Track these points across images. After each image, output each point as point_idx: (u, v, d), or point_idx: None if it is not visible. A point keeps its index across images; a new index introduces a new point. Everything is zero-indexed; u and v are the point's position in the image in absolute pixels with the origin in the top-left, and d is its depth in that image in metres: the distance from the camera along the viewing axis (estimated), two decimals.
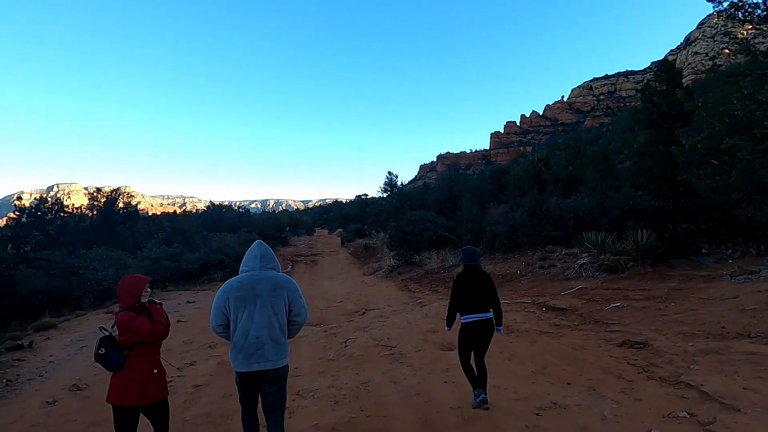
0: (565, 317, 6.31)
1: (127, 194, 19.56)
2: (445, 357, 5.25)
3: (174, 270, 16.78)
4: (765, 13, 8.15)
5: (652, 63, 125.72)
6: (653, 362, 4.31)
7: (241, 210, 33.29)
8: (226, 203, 32.88)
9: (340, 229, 39.64)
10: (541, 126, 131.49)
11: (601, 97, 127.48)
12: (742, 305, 5.21)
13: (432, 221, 17.81)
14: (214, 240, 20.42)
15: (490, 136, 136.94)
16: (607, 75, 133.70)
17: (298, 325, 2.67)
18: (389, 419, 3.58)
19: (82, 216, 16.06)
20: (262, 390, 2.54)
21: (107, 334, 2.50)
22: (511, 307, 7.26)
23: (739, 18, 8.36)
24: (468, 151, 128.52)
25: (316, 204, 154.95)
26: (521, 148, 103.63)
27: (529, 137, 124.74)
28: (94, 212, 16.44)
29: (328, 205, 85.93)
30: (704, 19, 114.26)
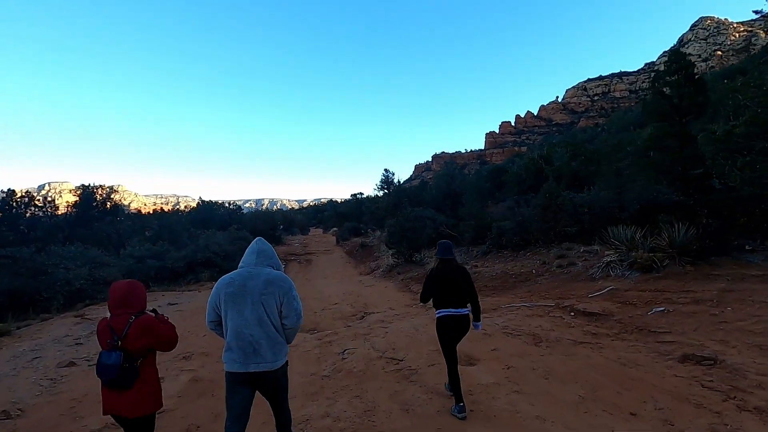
0: (601, 324, 5.39)
1: (109, 189, 18.38)
2: (466, 374, 4.31)
3: (159, 269, 15.71)
4: None
5: (646, 64, 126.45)
6: (736, 385, 3.40)
7: (232, 207, 32.09)
8: (220, 202, 31.68)
9: (335, 228, 38.84)
10: (535, 126, 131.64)
11: (596, 97, 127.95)
12: None
13: (432, 218, 16.96)
14: (201, 237, 19.33)
15: (485, 136, 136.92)
16: (601, 76, 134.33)
17: (290, 329, 2.46)
18: None
19: (55, 211, 14.86)
20: (264, 394, 2.43)
21: (120, 349, 2.26)
22: (532, 311, 6.34)
23: None
24: (463, 151, 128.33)
25: (311, 203, 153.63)
26: (516, 148, 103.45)
27: (524, 137, 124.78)
28: (70, 207, 15.26)
29: (323, 204, 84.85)
30: (697, 21, 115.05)
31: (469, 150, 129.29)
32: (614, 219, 9.80)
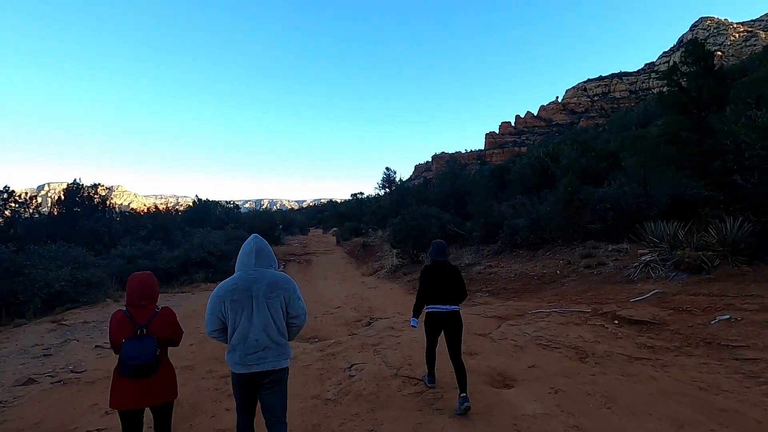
0: (655, 335, 4.57)
1: (94, 185, 17.50)
2: (504, 399, 3.48)
3: (150, 270, 14.84)
4: None
5: (646, 64, 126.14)
6: None
7: (229, 206, 31.19)
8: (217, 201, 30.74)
9: (335, 228, 38.10)
10: (535, 126, 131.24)
11: (596, 98, 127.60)
12: None
13: (437, 217, 16.19)
14: (196, 236, 18.44)
15: (485, 136, 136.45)
16: (601, 76, 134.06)
17: (297, 327, 2.51)
18: None
19: (38, 208, 13.96)
20: (262, 392, 2.39)
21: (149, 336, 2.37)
22: (566, 317, 5.51)
23: None
24: (463, 151, 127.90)
25: (311, 204, 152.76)
26: (516, 149, 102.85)
27: (524, 138, 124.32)
28: (55, 205, 14.39)
29: (323, 204, 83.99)
30: (697, 21, 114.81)
31: (469, 150, 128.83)
32: (641, 215, 9.00)
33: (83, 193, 15.31)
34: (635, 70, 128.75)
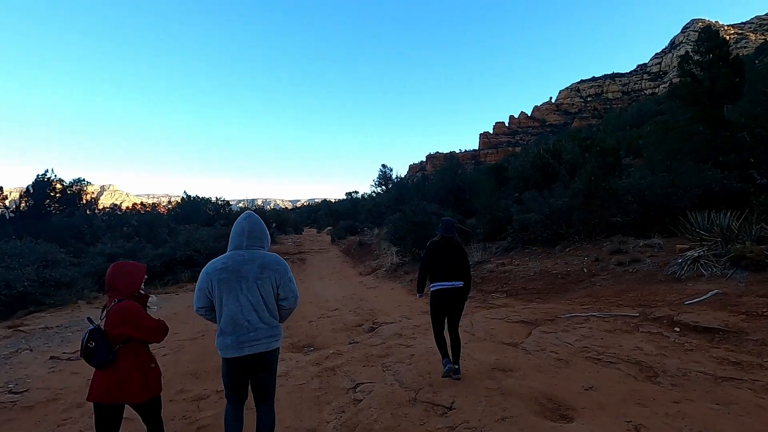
0: (735, 346, 3.69)
1: (79, 180, 16.34)
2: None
3: None
4: None
5: (638, 66, 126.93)
6: None
7: (220, 202, 30.01)
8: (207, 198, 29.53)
9: (329, 227, 37.19)
10: (529, 127, 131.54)
11: (589, 98, 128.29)
12: None
13: (437, 213, 15.36)
14: (182, 233, 17.35)
15: (479, 136, 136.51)
16: (594, 77, 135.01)
17: (287, 310, 2.43)
18: None
19: (3, 200, 12.80)
20: (253, 376, 2.32)
21: (95, 326, 2.20)
22: (610, 323, 4.62)
23: None
24: (458, 151, 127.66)
25: (305, 203, 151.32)
26: (510, 149, 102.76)
27: (518, 138, 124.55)
28: (22, 197, 13.22)
29: (317, 204, 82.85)
30: (688, 23, 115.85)
31: (463, 150, 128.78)
32: (669, 207, 8.20)
33: (54, 186, 14.13)
34: (628, 71, 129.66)
